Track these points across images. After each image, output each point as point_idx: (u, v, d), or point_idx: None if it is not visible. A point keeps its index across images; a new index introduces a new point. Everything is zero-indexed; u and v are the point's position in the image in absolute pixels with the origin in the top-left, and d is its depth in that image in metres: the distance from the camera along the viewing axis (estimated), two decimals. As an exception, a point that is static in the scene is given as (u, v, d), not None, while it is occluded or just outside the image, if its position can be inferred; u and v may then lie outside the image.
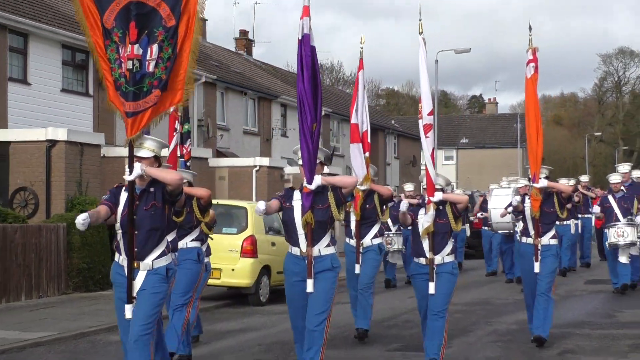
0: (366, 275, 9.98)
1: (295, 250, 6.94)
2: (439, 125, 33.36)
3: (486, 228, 19.09)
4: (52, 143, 17.23)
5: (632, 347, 9.78)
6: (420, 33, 8.00)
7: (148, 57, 5.54)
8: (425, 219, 7.54)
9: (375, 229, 10.12)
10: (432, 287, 7.55)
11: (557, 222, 17.21)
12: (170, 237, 6.84)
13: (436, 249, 7.61)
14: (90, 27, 5.69)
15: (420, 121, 8.12)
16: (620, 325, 11.71)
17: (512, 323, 11.96)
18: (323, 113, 8.52)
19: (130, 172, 5.54)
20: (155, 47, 5.55)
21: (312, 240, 6.76)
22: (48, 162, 17.23)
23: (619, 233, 13.52)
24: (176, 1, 5.57)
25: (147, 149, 5.91)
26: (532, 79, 9.37)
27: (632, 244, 13.53)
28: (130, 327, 5.73)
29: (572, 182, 19.51)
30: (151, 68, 5.58)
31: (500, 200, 16.45)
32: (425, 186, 7.85)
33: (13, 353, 9.94)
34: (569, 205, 17.45)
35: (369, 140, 10.37)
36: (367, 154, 10.13)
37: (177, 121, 9.37)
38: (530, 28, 9.53)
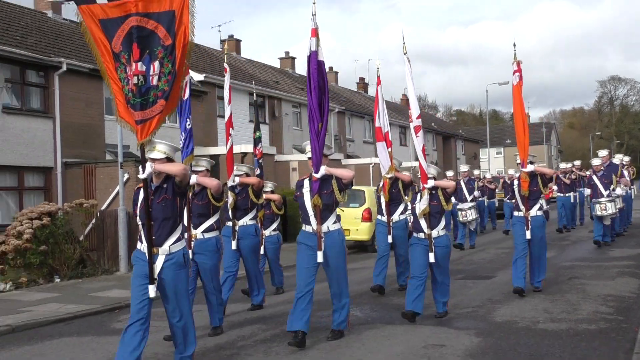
0: (397, 245, 11.00)
1: (308, 228, 7.53)
2: (491, 131, 40.42)
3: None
4: (245, 154, 23.32)
5: (618, 273, 12.14)
6: (405, 53, 8.93)
7: (151, 72, 5.84)
8: (421, 203, 8.41)
9: (401, 208, 10.97)
10: (431, 257, 8.35)
11: (560, 194, 21.72)
12: (214, 219, 8.25)
13: (432, 225, 8.45)
14: (101, 53, 5.96)
15: (411, 124, 9.10)
16: (610, 259, 14.31)
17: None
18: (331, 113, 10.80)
19: (143, 171, 5.85)
20: (157, 63, 5.84)
21: (321, 219, 7.38)
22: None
23: (602, 208, 15.52)
24: (170, 23, 5.81)
25: (159, 151, 6.18)
26: (518, 85, 10.18)
27: (612, 214, 15.80)
28: (171, 316, 6.20)
29: (569, 165, 22.37)
30: (155, 82, 5.86)
31: None
32: (419, 175, 8.75)
33: None
34: (568, 181, 21.00)
35: (391, 139, 11.38)
36: (390, 149, 11.04)
37: (231, 127, 10.11)
38: (514, 45, 10.50)
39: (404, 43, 9.01)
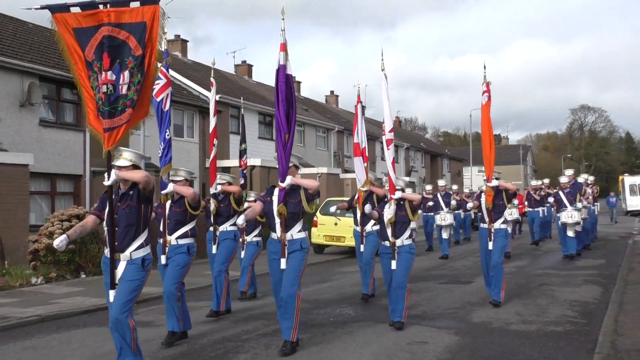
0: (368, 253, 10.29)
1: (273, 235, 6.88)
2: (474, 151, 40.25)
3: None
4: (253, 167, 23.31)
5: (583, 281, 12.26)
6: (382, 70, 8.53)
7: (121, 81, 5.45)
8: (388, 212, 7.96)
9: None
10: (393, 264, 7.88)
11: (531, 209, 20.35)
12: (189, 226, 7.57)
13: (397, 234, 7.97)
14: (74, 62, 5.57)
15: (383, 137, 8.44)
16: (577, 268, 14.36)
17: (512, 267, 14.38)
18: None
19: (108, 178, 5.50)
20: (127, 73, 5.47)
21: (286, 227, 6.75)
22: (250, 178, 22.34)
23: (569, 215, 15.46)
24: (141, 34, 5.47)
25: (124, 159, 5.84)
26: (486, 105, 9.62)
27: (577, 223, 15.59)
28: (110, 311, 5.65)
29: (539, 182, 21.84)
30: (124, 91, 5.48)
31: None
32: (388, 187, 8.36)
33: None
34: (538, 197, 20.44)
35: (367, 155, 10.94)
36: (366, 164, 10.57)
37: (215, 138, 9.89)
38: (484, 67, 9.90)
39: (382, 60, 8.58)
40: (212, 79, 10.25)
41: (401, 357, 6.65)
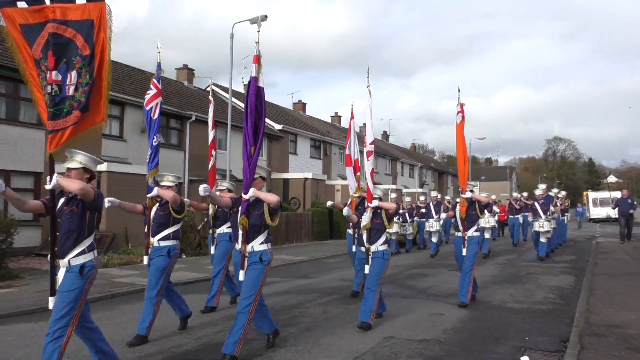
0: (361, 254, 8.08)
1: (237, 246, 5.32)
2: (472, 171, 40.97)
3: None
4: (306, 179, 23.31)
5: (560, 271, 11.90)
6: (368, 86, 6.99)
7: (68, 82, 4.15)
8: (364, 219, 6.68)
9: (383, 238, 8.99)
10: (367, 269, 6.56)
11: (512, 216, 19.72)
12: (172, 229, 6.08)
13: (372, 240, 6.60)
14: (24, 60, 4.18)
15: (364, 148, 7.05)
16: (554, 262, 13.96)
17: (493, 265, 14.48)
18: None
19: (50, 182, 4.13)
20: (74, 73, 4.15)
21: (247, 238, 5.21)
22: (304, 187, 22.95)
23: (540, 225, 14.26)
24: (89, 33, 4.17)
25: (76, 161, 4.44)
26: (461, 124, 8.17)
27: (547, 231, 14.30)
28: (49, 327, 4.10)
29: (519, 195, 20.73)
30: (71, 92, 4.15)
31: None
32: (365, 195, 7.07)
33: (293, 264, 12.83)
34: (517, 207, 19.34)
35: (360, 165, 9.27)
36: (357, 174, 9.05)
37: (214, 149, 8.41)
38: (459, 90, 8.34)
39: (367, 77, 7.03)
40: (210, 98, 8.93)
41: (425, 325, 6.62)
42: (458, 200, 8.57)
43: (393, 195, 16.94)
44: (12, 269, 10.14)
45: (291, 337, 5.97)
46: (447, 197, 19.81)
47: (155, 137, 6.42)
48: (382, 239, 6.65)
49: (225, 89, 27.12)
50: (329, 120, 42.60)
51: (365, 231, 6.65)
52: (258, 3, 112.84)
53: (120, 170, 14.61)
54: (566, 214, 19.40)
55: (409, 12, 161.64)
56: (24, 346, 5.66)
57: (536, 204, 14.72)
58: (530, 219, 15.34)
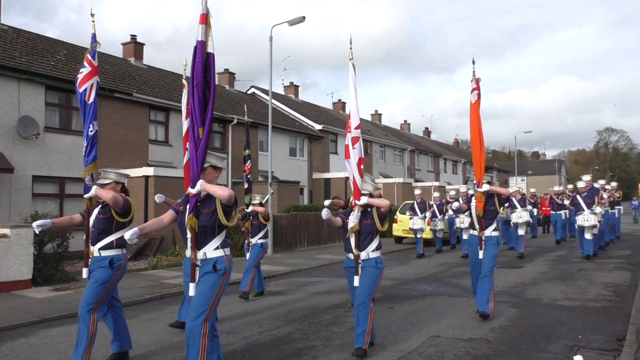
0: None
1: (186, 252, 4.33)
2: (518, 165, 38.69)
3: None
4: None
5: (615, 267, 11.79)
6: (350, 59, 5.51)
7: None
8: (351, 220, 5.37)
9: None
10: (356, 280, 5.30)
11: (554, 212, 18.01)
12: (115, 236, 4.96)
13: (362, 246, 5.35)
14: None
15: (348, 134, 5.59)
16: (608, 257, 13.82)
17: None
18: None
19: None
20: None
21: (198, 243, 4.13)
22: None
23: (585, 219, 12.68)
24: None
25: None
26: (476, 103, 6.83)
27: (593, 226, 12.73)
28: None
29: (561, 188, 19.28)
30: None
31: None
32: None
33: (336, 264, 12.68)
34: (560, 201, 17.63)
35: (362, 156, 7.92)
36: (362, 167, 7.32)
37: (187, 142, 5.88)
38: (473, 62, 7.09)
39: (350, 48, 5.56)
40: (183, 82, 7.08)
41: (472, 324, 6.48)
42: (471, 192, 7.89)
43: (436, 194, 16.12)
44: (69, 272, 10.57)
45: (335, 337, 5.97)
46: (463, 189, 18.05)
47: (91, 125, 5.43)
48: (374, 243, 5.41)
49: (266, 91, 27.43)
50: (369, 118, 42.39)
51: (353, 235, 5.37)
52: (297, 6, 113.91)
53: (166, 174, 14.99)
54: (617, 207, 17.78)
55: (451, 6, 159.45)
56: (80, 346, 5.85)
57: (579, 197, 13.29)
58: (573, 212, 14.07)
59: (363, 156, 7.36)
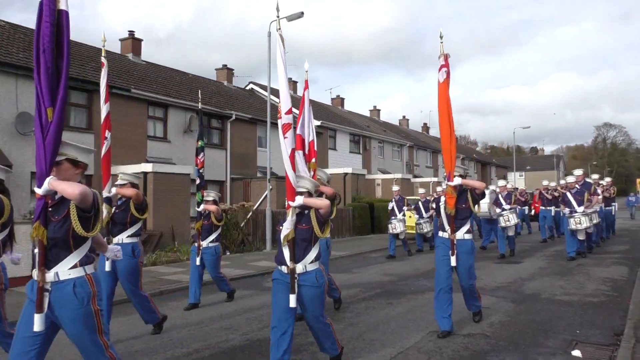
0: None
1: (33, 272, 3.18)
2: (516, 160, 38.75)
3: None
4: (346, 174, 22.69)
5: (612, 262, 11.78)
6: (278, 29, 4.39)
7: None
8: (284, 225, 4.25)
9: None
10: (292, 300, 4.15)
11: (543, 207, 16.58)
12: None
13: (297, 256, 4.23)
14: None
15: (279, 121, 4.42)
16: (606, 252, 13.76)
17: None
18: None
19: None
20: None
21: (47, 261, 3.08)
22: (344, 182, 22.45)
23: (577, 222, 11.46)
24: None
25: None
26: (445, 83, 5.82)
27: (587, 228, 11.59)
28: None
29: (553, 183, 17.83)
30: None
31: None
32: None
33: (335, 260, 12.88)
34: (550, 197, 16.24)
35: (316, 148, 7.00)
36: (313, 160, 6.84)
37: (107, 130, 5.74)
38: (441, 36, 5.89)
39: (277, 16, 4.54)
40: (102, 59, 5.99)
41: (470, 320, 6.42)
42: (442, 188, 7.05)
43: (422, 190, 15.21)
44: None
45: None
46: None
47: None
48: (312, 253, 4.29)
49: (264, 87, 27.40)
50: (367, 114, 42.36)
51: (287, 244, 4.24)
52: (299, 2, 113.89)
53: (164, 170, 14.97)
54: (613, 203, 16.76)
55: (451, 2, 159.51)
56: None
57: (568, 194, 11.93)
58: (563, 212, 12.35)
59: (314, 142, 6.87)
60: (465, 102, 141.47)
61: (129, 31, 21.75)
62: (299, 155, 6.20)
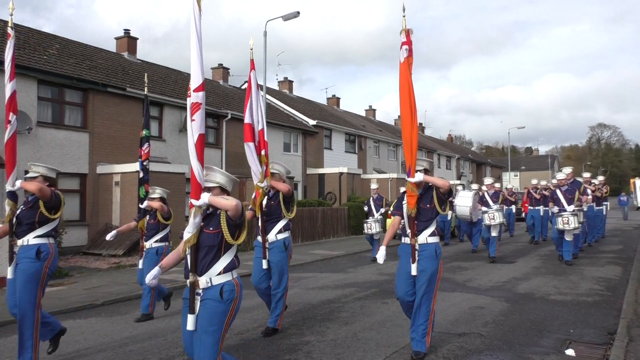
0: (279, 272, 5.96)
1: None
2: (511, 160, 38.87)
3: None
4: (341, 174, 22.83)
5: (606, 262, 11.82)
6: None
7: None
8: (186, 229, 3.48)
9: (280, 225, 5.96)
10: (190, 322, 3.38)
11: (531, 207, 15.78)
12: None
13: (200, 267, 3.42)
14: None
15: (188, 99, 3.71)
16: (600, 252, 13.84)
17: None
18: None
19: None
20: None
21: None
22: (340, 182, 22.47)
23: (565, 221, 10.89)
24: None
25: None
26: (406, 63, 4.98)
27: (574, 228, 11.02)
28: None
29: (544, 182, 16.77)
30: None
31: (462, 199, 12.92)
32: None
33: (330, 259, 12.72)
34: (538, 196, 15.35)
35: (266, 139, 6.02)
36: (263, 152, 5.90)
37: (12, 112, 5.00)
38: (403, 9, 5.09)
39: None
40: (9, 30, 5.09)
41: (465, 318, 6.49)
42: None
43: (373, 185, 13.76)
44: (62, 267, 10.51)
45: (329, 332, 5.98)
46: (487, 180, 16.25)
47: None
48: (222, 263, 3.47)
49: (260, 86, 27.32)
50: (363, 114, 42.39)
51: (190, 251, 3.47)
52: (295, 2, 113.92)
53: (160, 169, 14.92)
54: (605, 203, 16.07)
55: (447, 3, 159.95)
56: (75, 342, 5.85)
57: (558, 191, 11.37)
58: (552, 211, 11.75)
59: (264, 131, 5.90)
60: (461, 102, 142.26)
61: (125, 30, 21.67)
62: (248, 147, 5.78)
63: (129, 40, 21.57)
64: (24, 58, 14.51)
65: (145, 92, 8.48)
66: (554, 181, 12.36)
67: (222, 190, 3.77)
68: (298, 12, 15.44)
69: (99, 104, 15.98)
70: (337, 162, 27.71)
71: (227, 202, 3.45)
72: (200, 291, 3.42)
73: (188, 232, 3.47)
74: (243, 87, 28.95)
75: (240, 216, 3.52)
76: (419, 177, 4.96)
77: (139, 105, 17.52)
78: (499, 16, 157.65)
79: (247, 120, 5.83)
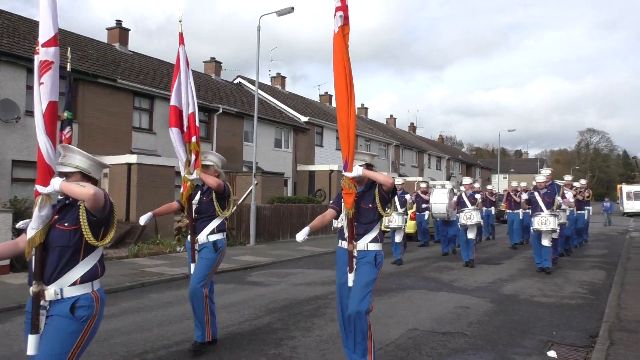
0: (197, 275, 5.02)
1: None
2: (500, 163, 39.55)
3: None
4: (332, 171, 23.04)
5: (591, 266, 11.91)
6: None
7: None
8: (30, 225, 2.73)
9: (212, 225, 5.10)
10: (31, 344, 2.67)
11: (510, 211, 15.21)
12: None
13: (48, 274, 2.72)
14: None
15: (35, 57, 2.83)
16: (584, 256, 13.97)
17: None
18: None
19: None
20: None
21: None
22: (330, 179, 22.69)
23: (542, 221, 10.28)
24: None
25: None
26: (341, 33, 3.93)
27: (553, 230, 10.38)
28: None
29: (524, 184, 16.68)
30: None
31: (438, 197, 13.27)
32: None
33: (318, 256, 12.77)
34: (518, 199, 14.60)
35: (197, 124, 5.07)
36: (194, 139, 4.99)
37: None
38: None
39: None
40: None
41: (450, 318, 6.56)
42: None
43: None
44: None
45: (316, 328, 6.01)
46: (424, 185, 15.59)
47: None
48: (80, 270, 2.80)
49: (252, 82, 27.31)
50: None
51: (35, 253, 2.79)
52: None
53: (149, 162, 14.87)
54: (587, 207, 15.44)
55: (443, 4, 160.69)
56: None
57: (536, 193, 10.69)
58: (530, 213, 11.03)
59: (195, 115, 5.04)
60: (454, 103, 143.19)
61: (117, 20, 21.51)
62: (173, 133, 5.01)
63: (120, 31, 21.41)
64: (14, 46, 14.36)
65: (69, 69, 7.74)
66: (534, 183, 11.23)
67: (84, 177, 2.98)
68: (292, 8, 15.43)
69: (89, 94, 15.86)
70: (328, 159, 27.73)
71: (83, 190, 2.70)
72: (47, 304, 2.68)
73: (32, 229, 2.72)
74: (235, 82, 28.86)
75: (102, 209, 2.78)
76: (358, 171, 4.08)
77: (130, 97, 17.42)
78: (494, 18, 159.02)
79: (173, 102, 5.04)
